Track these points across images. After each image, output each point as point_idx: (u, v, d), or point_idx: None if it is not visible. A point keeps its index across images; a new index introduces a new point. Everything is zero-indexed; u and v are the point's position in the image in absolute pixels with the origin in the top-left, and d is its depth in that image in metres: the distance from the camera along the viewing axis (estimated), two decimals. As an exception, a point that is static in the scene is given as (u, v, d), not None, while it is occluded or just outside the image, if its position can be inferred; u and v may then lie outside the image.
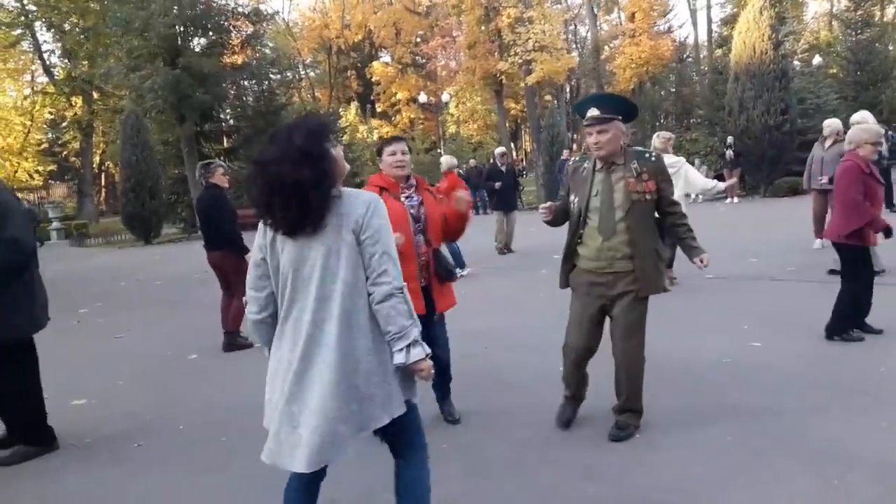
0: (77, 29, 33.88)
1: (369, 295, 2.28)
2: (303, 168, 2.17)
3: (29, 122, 38.05)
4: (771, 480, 3.07)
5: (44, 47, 36.79)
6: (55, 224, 29.99)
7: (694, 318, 6.12)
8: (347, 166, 2.42)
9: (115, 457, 3.93)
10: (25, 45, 36.27)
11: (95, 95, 34.61)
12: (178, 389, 5.26)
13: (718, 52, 30.30)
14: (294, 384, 2.26)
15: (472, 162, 23.30)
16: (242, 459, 3.72)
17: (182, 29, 24.40)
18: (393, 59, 39.26)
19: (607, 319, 3.66)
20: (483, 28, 31.27)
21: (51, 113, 39.94)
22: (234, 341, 6.47)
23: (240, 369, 5.71)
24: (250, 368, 5.65)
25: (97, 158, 41.67)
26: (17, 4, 34.09)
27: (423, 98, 32.63)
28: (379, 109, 40.02)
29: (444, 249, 4.28)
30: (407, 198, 3.83)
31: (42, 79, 38.92)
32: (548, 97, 42.41)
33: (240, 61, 28.06)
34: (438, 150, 33.94)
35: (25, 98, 39.40)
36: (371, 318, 2.28)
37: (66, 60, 37.12)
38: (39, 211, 35.22)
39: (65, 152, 42.42)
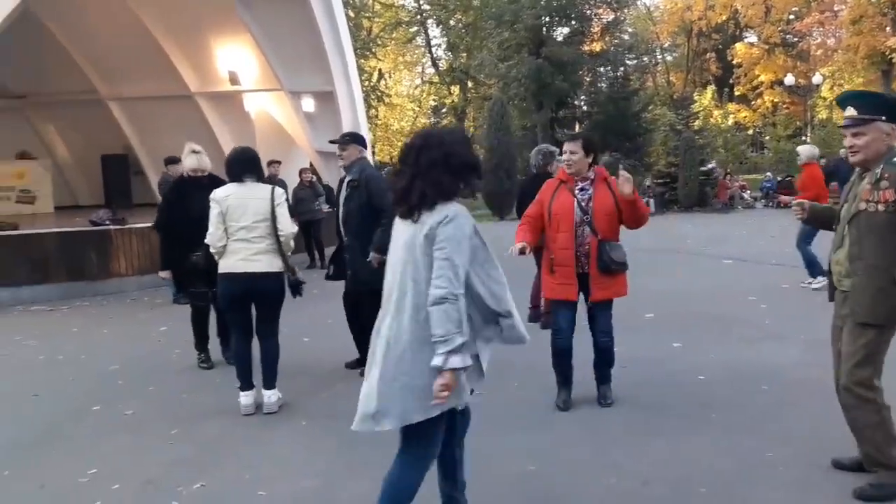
0: (460, 24, 38.53)
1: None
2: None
3: (417, 108, 44.58)
4: None
5: (432, 42, 42.66)
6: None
7: None
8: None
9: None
10: (419, 40, 42.47)
11: (469, 84, 39.05)
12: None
13: None
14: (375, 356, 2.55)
15: (841, 152, 20.90)
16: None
17: (547, 19, 26.28)
18: (759, 39, 36.55)
19: None
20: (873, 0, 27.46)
21: (434, 100, 46.07)
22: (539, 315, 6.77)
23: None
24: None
25: (467, 141, 46.93)
26: (416, 5, 40.01)
27: (789, 80, 29.78)
28: (737, 93, 37.71)
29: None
30: (581, 190, 4.18)
31: (429, 70, 45.15)
32: (957, 76, 35.35)
33: (598, 49, 29.12)
34: (803, 137, 30.82)
35: (416, 87, 46.11)
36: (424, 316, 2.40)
37: (449, 53, 42.51)
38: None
39: (441, 135, 48.59)
